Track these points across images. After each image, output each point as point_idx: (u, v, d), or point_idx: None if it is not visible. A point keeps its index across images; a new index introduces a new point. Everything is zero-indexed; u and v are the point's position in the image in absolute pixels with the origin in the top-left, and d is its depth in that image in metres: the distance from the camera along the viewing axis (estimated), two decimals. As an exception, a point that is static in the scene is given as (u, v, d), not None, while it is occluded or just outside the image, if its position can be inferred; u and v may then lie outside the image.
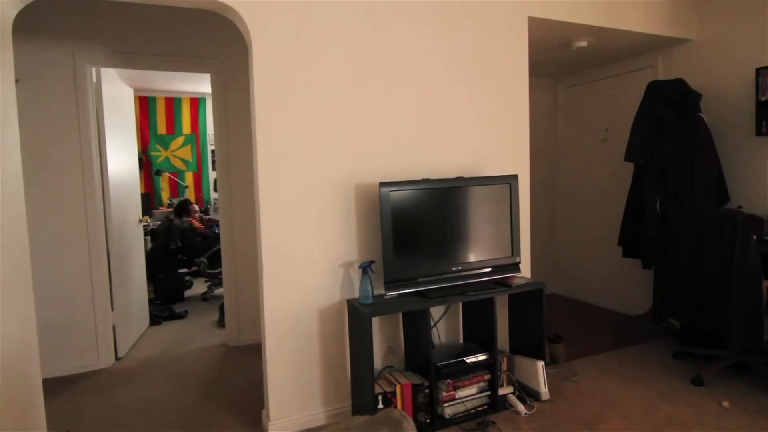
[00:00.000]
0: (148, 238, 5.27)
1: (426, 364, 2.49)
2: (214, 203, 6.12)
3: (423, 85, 2.73)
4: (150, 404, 2.84)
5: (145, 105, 6.20)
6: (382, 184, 2.43)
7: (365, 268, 2.46)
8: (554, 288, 4.99)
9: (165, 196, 6.37)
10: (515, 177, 2.77)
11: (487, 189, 2.70)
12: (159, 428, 2.57)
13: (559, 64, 4.29)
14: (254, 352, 3.61)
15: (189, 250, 5.00)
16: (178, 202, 5.64)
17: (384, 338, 2.71)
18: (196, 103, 6.46)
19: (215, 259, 4.69)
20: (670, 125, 3.38)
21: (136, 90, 5.78)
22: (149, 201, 5.89)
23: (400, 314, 2.74)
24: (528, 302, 2.83)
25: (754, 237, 2.63)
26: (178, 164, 6.45)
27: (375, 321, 2.66)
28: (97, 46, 3.30)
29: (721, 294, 2.69)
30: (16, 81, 3.04)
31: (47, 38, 3.18)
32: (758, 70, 3.21)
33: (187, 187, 6.46)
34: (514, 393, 2.72)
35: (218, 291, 5.18)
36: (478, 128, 2.89)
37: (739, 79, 3.40)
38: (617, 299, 4.36)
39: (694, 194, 3.36)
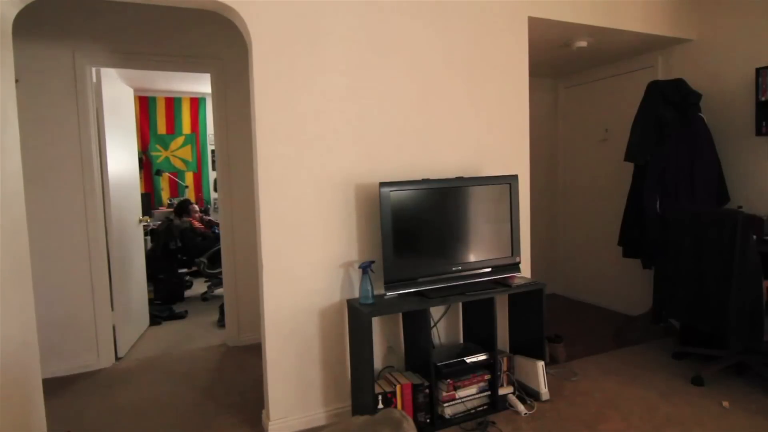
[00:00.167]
0: (148, 238, 5.27)
1: (426, 364, 2.49)
2: (214, 203, 6.12)
3: (423, 85, 2.73)
4: (150, 404, 2.84)
5: (145, 105, 6.20)
6: (382, 184, 2.43)
7: (365, 268, 2.46)
8: (554, 288, 4.99)
9: (165, 196, 6.37)
10: (515, 177, 2.77)
11: (487, 189, 2.70)
12: (159, 428, 2.57)
13: (559, 64, 4.29)
14: (254, 352, 3.61)
15: (189, 250, 5.01)
16: (178, 202, 5.64)
17: (384, 338, 2.71)
18: (196, 103, 6.46)
19: (215, 259, 4.70)
20: (670, 125, 3.38)
21: (136, 90, 5.78)
22: (149, 201, 5.89)
23: (400, 314, 2.74)
24: (528, 302, 2.83)
25: (754, 237, 2.63)
26: (178, 164, 6.45)
27: (375, 321, 2.66)
28: (97, 46, 3.31)
29: (721, 294, 2.69)
30: (16, 81, 3.03)
31: (47, 38, 3.18)
32: (758, 70, 3.21)
33: (187, 187, 6.46)
34: (514, 393, 2.72)
35: (218, 291, 5.18)
36: (478, 128, 2.89)
37: (739, 79, 3.40)
38: (617, 299, 4.36)
39: (693, 194, 3.36)
